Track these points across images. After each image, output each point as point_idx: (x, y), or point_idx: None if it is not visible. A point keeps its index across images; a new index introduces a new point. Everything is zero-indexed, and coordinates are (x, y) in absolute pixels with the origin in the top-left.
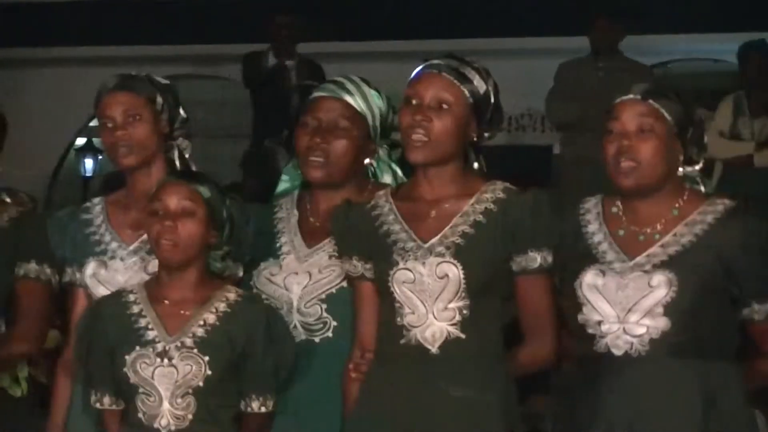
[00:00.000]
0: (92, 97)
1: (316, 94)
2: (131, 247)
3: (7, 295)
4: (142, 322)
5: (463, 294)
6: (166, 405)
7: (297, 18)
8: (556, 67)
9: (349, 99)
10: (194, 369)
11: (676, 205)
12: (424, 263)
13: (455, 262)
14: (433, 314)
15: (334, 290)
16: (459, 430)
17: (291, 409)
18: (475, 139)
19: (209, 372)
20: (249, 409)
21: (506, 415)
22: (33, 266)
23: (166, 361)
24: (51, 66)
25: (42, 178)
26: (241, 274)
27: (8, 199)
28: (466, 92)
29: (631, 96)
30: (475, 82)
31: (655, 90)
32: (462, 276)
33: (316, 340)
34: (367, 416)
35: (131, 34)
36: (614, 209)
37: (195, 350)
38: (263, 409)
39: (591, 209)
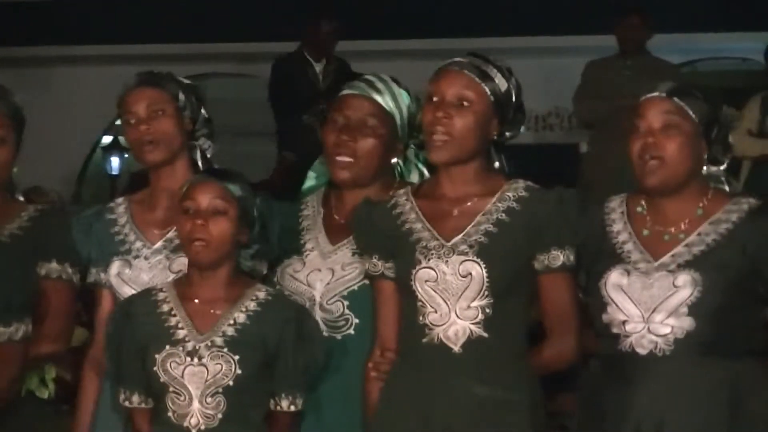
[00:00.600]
0: (117, 95)
1: (345, 91)
2: (156, 246)
3: (31, 295)
4: (172, 321)
5: (486, 293)
6: (196, 404)
7: (337, 21)
8: (582, 66)
9: (377, 98)
10: (224, 368)
11: (701, 204)
12: (447, 262)
13: (478, 260)
14: (456, 313)
15: (356, 287)
16: (484, 430)
17: (313, 406)
18: (495, 137)
19: (239, 371)
20: (278, 408)
21: (532, 413)
22: (54, 266)
23: (196, 360)
24: (77, 64)
25: (69, 176)
26: (265, 271)
27: (21, 198)
28: (487, 90)
29: (656, 94)
30: (497, 80)
31: (681, 88)
32: (485, 275)
33: (339, 337)
34: (389, 415)
35: (159, 31)
36: (639, 209)
37: (225, 349)
38: (292, 408)
39: (615, 208)
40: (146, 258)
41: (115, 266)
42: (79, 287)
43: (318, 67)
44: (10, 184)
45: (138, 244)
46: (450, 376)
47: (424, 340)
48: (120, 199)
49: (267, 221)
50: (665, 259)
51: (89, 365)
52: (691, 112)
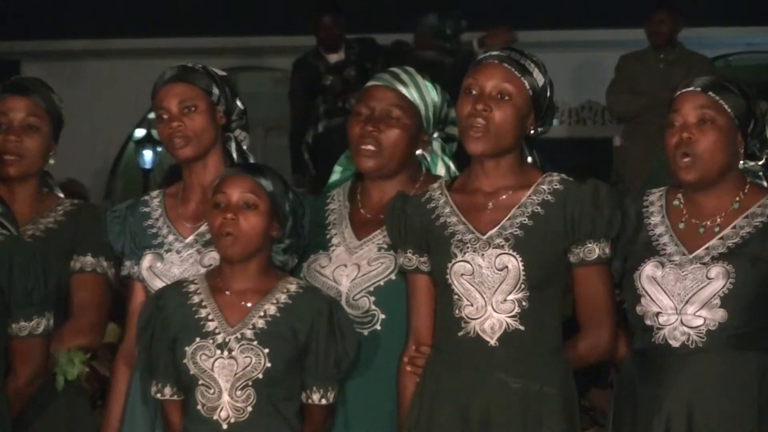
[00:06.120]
0: (150, 88)
1: (370, 83)
2: (187, 240)
3: (55, 290)
4: (203, 313)
5: (523, 286)
6: (225, 397)
7: (339, 13)
8: (616, 60)
9: (402, 89)
10: (254, 361)
11: (737, 198)
12: (482, 255)
13: (515, 254)
14: (492, 306)
15: (382, 283)
16: (518, 422)
17: (339, 402)
18: (531, 132)
19: (269, 364)
20: (310, 401)
21: (566, 407)
22: (89, 259)
23: (226, 353)
24: (110, 57)
25: (102, 170)
26: (293, 264)
27: (61, 194)
28: (527, 84)
29: (691, 88)
30: (535, 75)
31: (716, 82)
32: (521, 268)
33: (365, 333)
34: (426, 409)
35: (191, 25)
36: (676, 202)
37: (255, 342)
38: (324, 402)
39: (654, 201)
40: (178, 252)
41: (147, 259)
42: (114, 282)
43: (334, 58)
44: (45, 177)
45: (170, 237)
46: (486, 369)
47: (460, 334)
48: (155, 192)
49: (300, 217)
50: (699, 251)
51: (122, 358)
52: (726, 107)
